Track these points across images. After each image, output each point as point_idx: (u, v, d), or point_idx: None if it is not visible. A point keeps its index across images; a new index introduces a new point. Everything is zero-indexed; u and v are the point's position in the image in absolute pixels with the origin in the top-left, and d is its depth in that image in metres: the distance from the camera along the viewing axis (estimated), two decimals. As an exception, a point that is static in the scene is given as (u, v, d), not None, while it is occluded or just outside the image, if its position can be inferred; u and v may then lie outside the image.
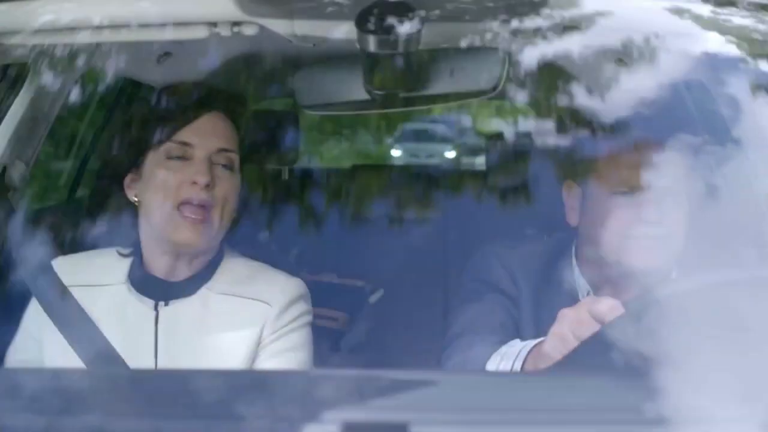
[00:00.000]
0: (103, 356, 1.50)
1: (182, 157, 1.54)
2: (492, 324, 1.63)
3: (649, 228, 1.58)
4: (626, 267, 1.59)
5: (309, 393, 0.97)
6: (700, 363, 0.93)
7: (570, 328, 1.19)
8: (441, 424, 0.94)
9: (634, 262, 1.58)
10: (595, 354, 1.08)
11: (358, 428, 0.91)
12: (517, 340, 1.37)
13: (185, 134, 1.54)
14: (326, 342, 1.74)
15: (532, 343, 1.30)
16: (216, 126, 1.57)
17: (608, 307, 1.17)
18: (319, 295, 1.74)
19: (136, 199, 1.58)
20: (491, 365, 1.35)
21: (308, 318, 1.64)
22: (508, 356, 1.33)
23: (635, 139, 1.50)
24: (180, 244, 1.54)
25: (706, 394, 0.91)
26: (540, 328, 1.31)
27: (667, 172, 1.59)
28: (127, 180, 1.59)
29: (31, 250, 1.65)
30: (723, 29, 1.54)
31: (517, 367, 1.29)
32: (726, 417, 0.90)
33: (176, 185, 1.52)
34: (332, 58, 1.72)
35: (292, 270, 1.90)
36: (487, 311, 1.67)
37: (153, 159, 1.55)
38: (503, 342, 1.50)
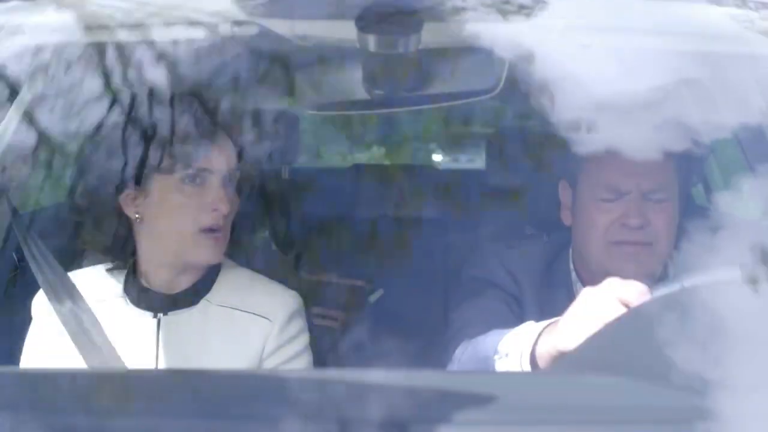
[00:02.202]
0: (109, 363, 1.50)
1: (197, 181, 1.52)
2: (497, 316, 1.62)
3: (633, 234, 1.57)
4: (611, 273, 1.59)
5: (309, 393, 0.98)
6: (710, 363, 0.93)
7: (593, 307, 1.15)
8: (441, 423, 0.94)
9: (617, 269, 1.58)
10: (597, 353, 1.08)
11: (358, 428, 0.91)
12: (531, 321, 1.35)
13: (202, 161, 1.52)
14: (326, 342, 1.74)
15: (546, 322, 1.28)
16: (226, 147, 1.55)
17: (636, 291, 1.14)
18: (319, 295, 1.74)
19: (137, 216, 1.55)
20: (503, 346, 1.33)
21: (306, 333, 1.65)
22: (523, 335, 1.31)
23: (622, 144, 1.50)
24: (202, 263, 1.56)
25: (713, 393, 0.91)
26: None
27: (655, 178, 1.59)
28: (124, 197, 1.55)
29: (30, 253, 1.64)
30: (719, 27, 1.54)
31: (530, 344, 1.27)
32: (732, 416, 0.90)
33: (195, 211, 1.51)
34: (332, 58, 1.72)
35: (291, 270, 1.90)
36: (490, 306, 1.66)
37: (164, 181, 1.52)
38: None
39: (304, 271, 2.86)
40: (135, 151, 1.50)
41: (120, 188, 1.54)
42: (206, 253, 1.53)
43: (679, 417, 0.95)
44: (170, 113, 1.49)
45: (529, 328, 1.31)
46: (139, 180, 1.53)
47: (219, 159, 1.53)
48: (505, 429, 0.94)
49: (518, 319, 1.65)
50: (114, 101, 1.63)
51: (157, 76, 1.56)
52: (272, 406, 0.95)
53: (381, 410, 0.92)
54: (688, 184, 1.72)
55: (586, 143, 1.38)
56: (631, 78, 1.33)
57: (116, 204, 1.55)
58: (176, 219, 1.52)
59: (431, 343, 1.74)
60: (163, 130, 1.49)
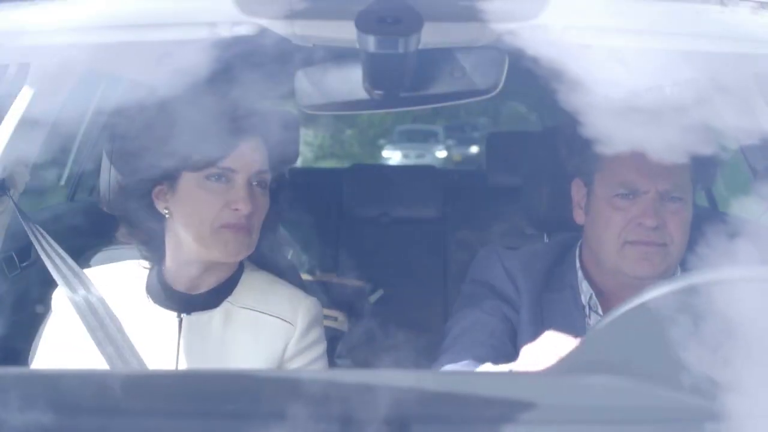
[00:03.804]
0: (128, 362, 1.50)
1: (223, 180, 1.53)
2: (484, 334, 1.63)
3: (648, 234, 1.57)
4: (624, 273, 1.59)
5: (309, 393, 0.98)
6: (709, 363, 0.93)
7: (533, 362, 1.20)
8: (441, 423, 0.94)
9: (630, 268, 1.58)
10: (597, 353, 1.08)
11: (359, 428, 0.91)
12: (488, 365, 1.39)
13: (228, 160, 1.53)
14: (326, 342, 1.74)
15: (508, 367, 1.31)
16: (256, 149, 1.56)
17: (566, 344, 1.18)
18: (319, 295, 1.74)
19: (166, 212, 1.57)
20: None
21: (324, 340, 1.67)
22: None
23: (638, 141, 1.50)
24: (223, 258, 1.56)
25: (712, 393, 0.92)
26: (542, 332, 1.31)
27: (673, 179, 1.58)
28: (156, 191, 1.57)
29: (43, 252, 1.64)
30: (725, 28, 1.54)
31: None
32: (732, 415, 0.90)
33: (218, 208, 1.52)
34: (332, 58, 1.72)
35: (292, 269, 1.90)
36: (482, 320, 1.67)
37: (191, 177, 1.53)
38: (493, 349, 1.51)
39: (305, 271, 2.86)
40: (165, 149, 1.50)
41: (152, 184, 1.56)
42: (225, 248, 1.53)
43: (679, 417, 0.95)
44: (201, 112, 1.49)
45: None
46: (169, 176, 1.54)
47: (245, 159, 1.54)
48: (505, 429, 0.94)
49: (515, 326, 1.66)
50: (131, 101, 1.63)
51: (162, 75, 1.56)
52: (274, 405, 0.95)
53: (382, 410, 0.92)
54: (698, 186, 1.72)
55: (604, 142, 1.38)
56: (636, 78, 1.33)
57: (149, 199, 1.57)
58: (198, 214, 1.53)
59: (431, 343, 1.74)
60: (194, 128, 1.49)
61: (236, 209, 1.52)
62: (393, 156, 14.98)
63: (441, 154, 15.48)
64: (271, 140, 1.58)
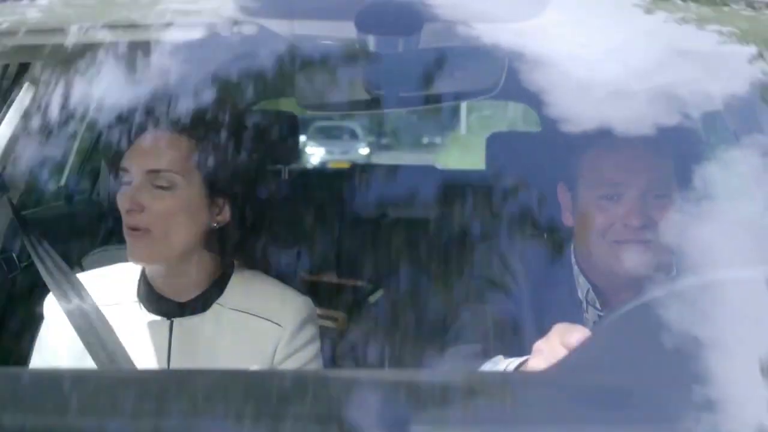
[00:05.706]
0: (119, 364, 1.50)
1: (121, 180, 1.53)
2: (486, 328, 1.64)
3: (635, 234, 1.58)
4: (615, 273, 1.60)
5: (309, 393, 0.98)
6: (707, 362, 0.93)
7: (547, 362, 1.19)
8: (441, 423, 0.94)
9: (621, 268, 1.59)
10: (596, 354, 1.08)
11: (358, 428, 0.91)
12: (500, 357, 1.38)
13: (124, 160, 1.53)
14: (326, 342, 1.74)
15: (517, 361, 1.31)
16: (152, 146, 1.53)
17: (576, 336, 1.17)
18: (319, 295, 1.74)
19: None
20: None
21: (317, 340, 1.65)
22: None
23: (617, 141, 1.50)
24: (134, 262, 1.55)
25: (711, 393, 0.92)
26: (539, 327, 1.31)
27: (653, 176, 1.59)
28: None
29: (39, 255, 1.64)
30: (713, 25, 1.54)
31: None
32: (724, 414, 0.90)
33: (123, 211, 1.52)
34: (332, 58, 1.73)
35: (292, 270, 1.90)
36: (484, 315, 1.67)
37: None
38: (498, 343, 1.51)
39: (304, 271, 2.86)
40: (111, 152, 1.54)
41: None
42: (130, 252, 1.53)
43: (679, 417, 0.95)
44: (107, 116, 1.52)
45: (503, 366, 1.34)
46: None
47: (135, 157, 1.52)
48: (505, 428, 0.94)
49: (517, 321, 1.66)
50: (118, 102, 1.63)
51: (153, 75, 1.56)
52: (271, 405, 0.95)
53: (381, 410, 0.92)
54: (688, 180, 1.72)
55: (583, 144, 1.38)
56: (629, 78, 1.33)
57: None
58: (122, 219, 1.53)
59: (431, 343, 1.75)
60: (116, 131, 1.51)
61: (127, 210, 1.51)
62: (316, 153, 14.65)
63: (363, 151, 15.27)
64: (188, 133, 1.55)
